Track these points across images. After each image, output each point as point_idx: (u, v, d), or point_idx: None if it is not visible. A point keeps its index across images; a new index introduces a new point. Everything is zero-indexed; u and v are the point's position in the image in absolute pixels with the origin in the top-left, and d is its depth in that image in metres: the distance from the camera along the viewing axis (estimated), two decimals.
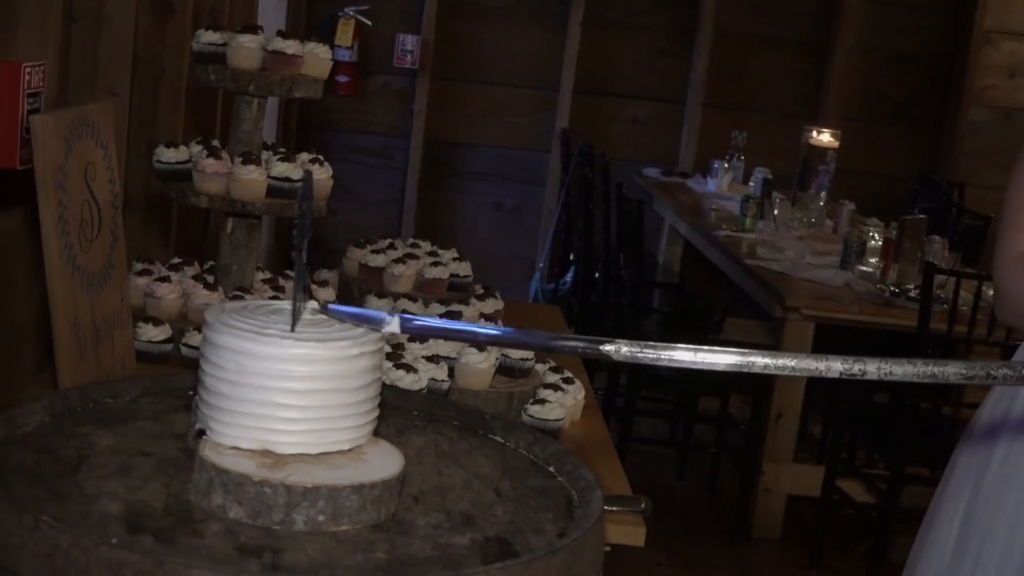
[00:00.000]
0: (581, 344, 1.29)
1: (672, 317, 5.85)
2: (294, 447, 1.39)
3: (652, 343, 1.26)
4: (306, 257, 1.38)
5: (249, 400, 1.37)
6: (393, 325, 1.38)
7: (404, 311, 2.57)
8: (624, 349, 1.25)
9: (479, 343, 2.27)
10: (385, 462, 1.42)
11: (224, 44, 2.53)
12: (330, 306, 1.42)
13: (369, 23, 6.47)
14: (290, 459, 1.38)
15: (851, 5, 6.87)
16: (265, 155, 2.60)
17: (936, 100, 7.04)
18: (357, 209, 6.74)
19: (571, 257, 6.23)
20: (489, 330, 1.43)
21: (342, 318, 1.41)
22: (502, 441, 1.67)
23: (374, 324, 1.40)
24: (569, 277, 6.25)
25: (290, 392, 1.38)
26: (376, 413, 1.46)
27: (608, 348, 1.26)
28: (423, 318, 1.49)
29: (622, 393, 5.16)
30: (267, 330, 1.39)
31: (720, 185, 6.35)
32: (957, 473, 2.25)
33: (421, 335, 2.23)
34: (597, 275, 5.62)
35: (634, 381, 4.96)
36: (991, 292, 4.20)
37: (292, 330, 1.39)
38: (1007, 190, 2.09)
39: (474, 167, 6.98)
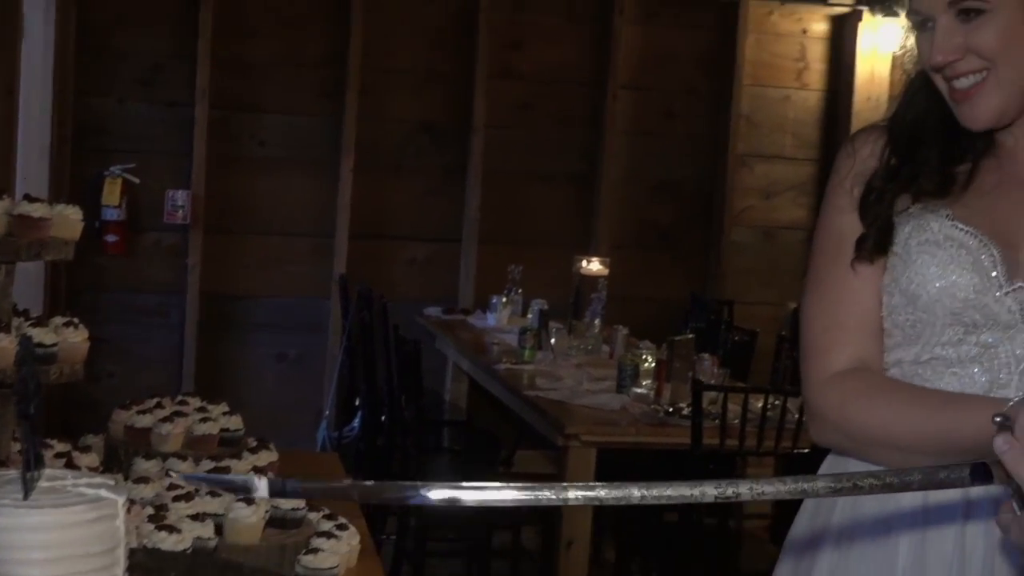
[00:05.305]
0: None
1: (461, 455, 5.85)
2: None
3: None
4: (37, 422, 1.36)
5: None
6: (262, 490, 1.33)
7: (170, 472, 2.52)
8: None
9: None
10: None
11: None
12: (185, 476, 1.38)
13: (137, 180, 6.41)
14: None
15: (613, 138, 7.12)
16: (16, 321, 2.54)
17: (701, 223, 7.31)
18: (136, 370, 6.59)
19: (357, 402, 6.20)
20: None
21: (206, 486, 1.38)
22: None
23: (242, 491, 1.35)
24: (356, 422, 6.21)
25: (28, 563, 1.34)
26: None
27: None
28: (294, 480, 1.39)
29: (413, 535, 5.12)
30: (1, 500, 1.35)
31: (500, 319, 6.42)
32: None
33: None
34: (383, 418, 5.60)
35: (424, 522, 4.92)
36: (759, 404, 4.37)
37: (25, 498, 1.36)
38: (802, 315, 1.98)
39: (255, 318, 6.91)
